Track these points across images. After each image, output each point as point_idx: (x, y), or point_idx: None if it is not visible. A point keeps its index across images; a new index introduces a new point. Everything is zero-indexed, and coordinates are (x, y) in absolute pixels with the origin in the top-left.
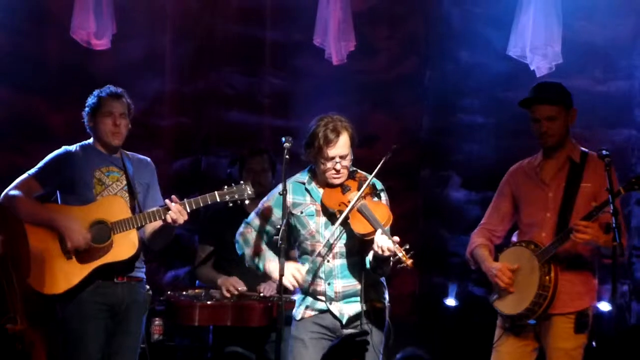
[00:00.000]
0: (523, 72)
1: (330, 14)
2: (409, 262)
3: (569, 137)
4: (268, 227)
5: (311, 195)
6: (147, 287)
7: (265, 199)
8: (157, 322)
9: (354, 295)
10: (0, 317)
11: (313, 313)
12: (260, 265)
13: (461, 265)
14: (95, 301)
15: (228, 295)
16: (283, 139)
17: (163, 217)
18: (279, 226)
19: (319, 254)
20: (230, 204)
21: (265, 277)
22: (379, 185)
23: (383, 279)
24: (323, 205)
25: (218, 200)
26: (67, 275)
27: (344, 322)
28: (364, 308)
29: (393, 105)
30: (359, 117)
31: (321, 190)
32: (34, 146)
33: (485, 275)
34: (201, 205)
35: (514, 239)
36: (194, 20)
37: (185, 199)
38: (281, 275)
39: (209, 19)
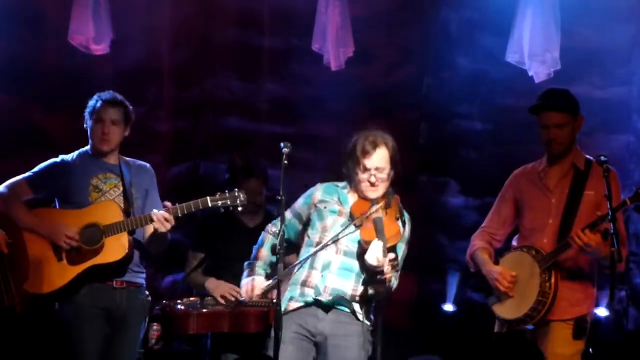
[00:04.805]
0: (521, 78)
1: (329, 20)
2: (389, 276)
3: (574, 144)
4: (295, 222)
5: (339, 198)
6: (147, 293)
7: (299, 199)
8: (155, 327)
9: (342, 297)
10: None
11: (297, 305)
12: (245, 270)
13: (459, 270)
14: (92, 304)
15: (223, 302)
16: (282, 145)
17: (153, 222)
18: (299, 227)
19: (323, 244)
20: (222, 210)
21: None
22: (406, 215)
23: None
24: (350, 211)
25: (210, 205)
26: (57, 276)
27: (332, 298)
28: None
29: (391, 111)
30: (357, 123)
31: (353, 199)
32: (31, 152)
33: (484, 278)
34: (192, 210)
35: (514, 243)
36: (192, 26)
37: (177, 204)
38: (279, 280)
39: (206, 24)
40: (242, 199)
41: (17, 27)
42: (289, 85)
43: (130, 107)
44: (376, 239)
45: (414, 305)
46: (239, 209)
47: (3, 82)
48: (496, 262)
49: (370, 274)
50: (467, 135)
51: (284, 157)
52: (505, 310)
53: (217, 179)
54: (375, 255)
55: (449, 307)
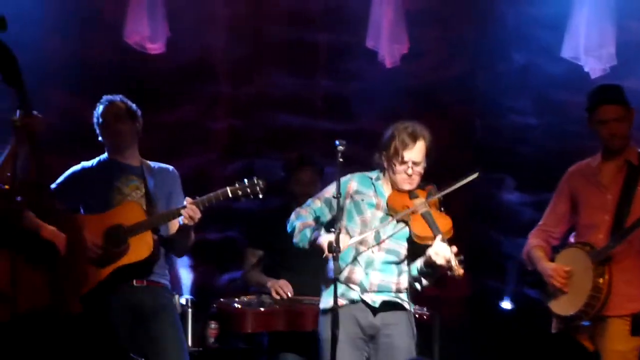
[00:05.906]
0: (577, 73)
1: (383, 16)
2: (461, 272)
3: (629, 139)
4: (325, 210)
5: (375, 190)
6: (173, 293)
7: (328, 187)
8: (212, 326)
9: (387, 290)
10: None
11: (344, 302)
12: (308, 234)
13: (517, 267)
14: (118, 306)
15: (277, 297)
16: (337, 142)
17: (176, 217)
18: (329, 217)
19: (367, 243)
20: (243, 199)
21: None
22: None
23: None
24: (387, 204)
25: (230, 196)
26: (86, 278)
27: (377, 306)
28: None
29: (445, 106)
30: (412, 119)
31: (388, 190)
32: (89, 150)
33: (541, 276)
34: (213, 202)
35: (572, 239)
36: (245, 23)
37: (197, 197)
38: (336, 278)
39: (259, 22)
40: (262, 186)
41: (73, 27)
42: (343, 82)
43: (133, 104)
44: (438, 238)
45: (470, 303)
46: (260, 196)
47: (60, 80)
48: (553, 259)
49: (430, 269)
50: (522, 131)
51: (339, 154)
52: (561, 307)
53: (274, 177)
54: (442, 255)
55: (506, 304)
